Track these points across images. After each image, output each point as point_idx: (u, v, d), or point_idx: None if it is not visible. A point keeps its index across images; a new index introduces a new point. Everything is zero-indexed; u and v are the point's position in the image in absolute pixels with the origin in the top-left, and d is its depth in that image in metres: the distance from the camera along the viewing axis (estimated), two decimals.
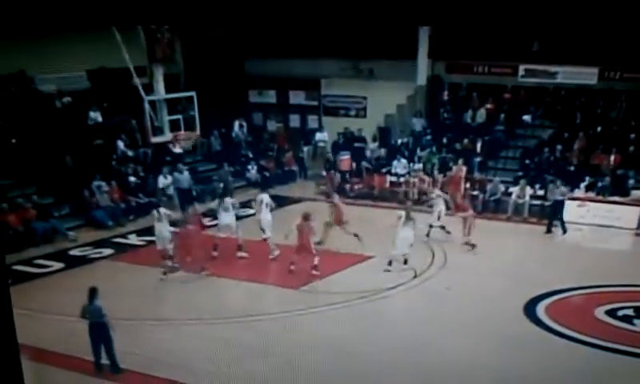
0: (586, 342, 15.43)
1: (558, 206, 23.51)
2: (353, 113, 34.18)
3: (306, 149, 33.30)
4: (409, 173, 28.03)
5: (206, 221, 22.76)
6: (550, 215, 23.84)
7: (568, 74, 29.42)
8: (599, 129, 27.63)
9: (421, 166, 28.26)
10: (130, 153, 27.60)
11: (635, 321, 16.62)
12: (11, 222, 22.05)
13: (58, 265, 20.63)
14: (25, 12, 23.15)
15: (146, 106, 25.97)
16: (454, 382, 13.81)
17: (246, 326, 16.19)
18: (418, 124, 31.32)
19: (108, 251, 21.93)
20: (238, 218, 21.33)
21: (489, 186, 25.92)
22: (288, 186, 29.95)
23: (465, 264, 20.36)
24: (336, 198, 21.76)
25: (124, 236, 23.43)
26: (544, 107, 29.78)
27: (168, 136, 26.75)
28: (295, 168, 31.88)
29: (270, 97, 36.16)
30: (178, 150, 28.16)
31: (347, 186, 28.70)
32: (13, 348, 5.14)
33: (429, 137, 30.20)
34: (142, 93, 26.12)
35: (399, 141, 30.81)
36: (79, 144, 26.65)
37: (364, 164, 29.57)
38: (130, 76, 25.99)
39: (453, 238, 21.94)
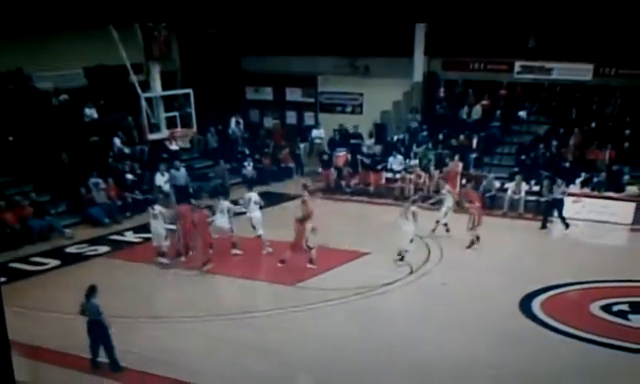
0: (581, 337, 15.49)
1: (558, 204, 23.58)
2: (349, 109, 34.22)
3: (302, 145, 33.34)
4: (405, 169, 28.07)
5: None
6: (546, 211, 23.90)
7: (563, 71, 29.44)
8: (594, 125, 27.71)
9: (417, 162, 28.33)
10: (126, 150, 27.63)
11: (630, 316, 16.66)
12: (8, 219, 22.09)
13: (54, 262, 20.65)
14: (21, 10, 23.10)
15: (143, 103, 25.98)
16: (449, 378, 13.86)
17: (241, 323, 16.23)
18: (414, 120, 31.37)
19: (104, 248, 21.95)
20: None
21: (483, 183, 25.93)
22: (284, 183, 29.95)
23: (461, 260, 20.42)
24: (306, 195, 21.69)
25: (120, 233, 23.45)
26: (539, 103, 29.84)
27: (165, 133, 26.74)
28: (292, 165, 31.88)
29: (267, 94, 36.17)
30: (174, 147, 28.18)
31: (343, 183, 28.76)
32: (3, 344, 5.18)
33: (425, 133, 30.24)
34: (139, 90, 26.10)
35: (395, 137, 30.81)
36: (76, 141, 26.66)
37: (359, 157, 29.68)
38: (126, 73, 25.98)
39: (450, 235, 22.01)
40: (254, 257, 20.29)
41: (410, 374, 13.93)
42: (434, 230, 22.30)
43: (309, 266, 19.27)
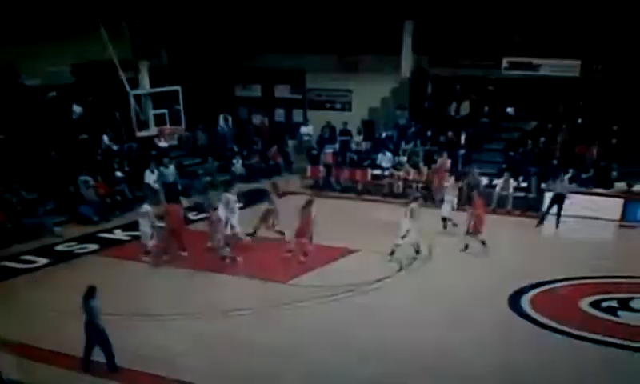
0: (570, 333, 15.56)
1: (560, 200, 23.62)
2: (338, 106, 34.23)
3: (291, 142, 33.33)
4: (394, 166, 28.08)
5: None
6: (548, 207, 23.96)
7: (551, 67, 29.51)
8: (580, 121, 27.83)
9: (405, 159, 28.36)
10: (114, 147, 27.55)
11: (619, 312, 16.79)
12: None
13: (43, 260, 20.56)
14: (11, 8, 23.09)
15: (132, 100, 25.90)
16: (439, 375, 13.89)
17: (232, 321, 16.21)
18: (402, 117, 31.40)
19: (94, 246, 21.89)
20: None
21: (469, 178, 25.50)
22: (273, 180, 29.81)
23: (450, 257, 20.51)
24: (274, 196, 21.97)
25: (110, 231, 23.39)
26: (527, 99, 29.89)
27: (153, 130, 26.67)
28: (280, 161, 31.84)
29: (255, 91, 36.10)
30: (163, 144, 28.08)
31: (332, 180, 28.78)
32: None
33: (413, 129, 30.26)
34: (127, 87, 26.03)
35: (384, 134, 30.86)
36: (64, 138, 26.54)
37: (348, 154, 29.76)
38: (115, 70, 25.86)
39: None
40: (246, 255, 20.22)
41: (401, 370, 13.94)
42: (445, 227, 22.47)
43: (301, 258, 19.59)
